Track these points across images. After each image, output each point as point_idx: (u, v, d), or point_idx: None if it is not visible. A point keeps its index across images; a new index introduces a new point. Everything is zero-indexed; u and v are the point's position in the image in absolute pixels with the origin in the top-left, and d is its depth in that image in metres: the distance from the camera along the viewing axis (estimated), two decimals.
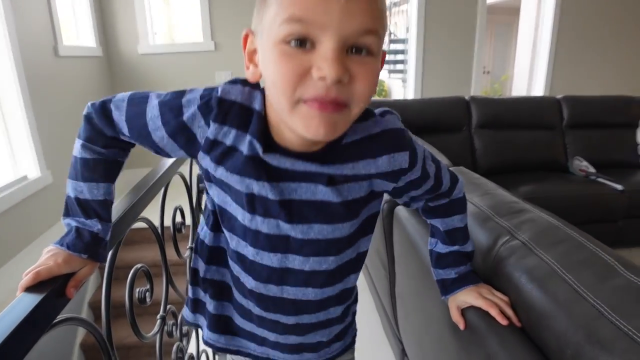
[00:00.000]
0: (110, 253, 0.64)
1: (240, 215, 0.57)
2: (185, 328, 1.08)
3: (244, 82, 0.56)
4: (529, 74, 4.63)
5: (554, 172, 2.65)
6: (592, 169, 2.55)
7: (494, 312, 0.66)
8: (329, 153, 0.54)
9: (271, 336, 0.66)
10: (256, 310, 0.64)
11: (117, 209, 0.69)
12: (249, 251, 0.59)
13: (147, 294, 0.77)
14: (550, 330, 0.59)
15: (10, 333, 0.40)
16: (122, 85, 3.78)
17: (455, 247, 0.72)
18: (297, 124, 0.47)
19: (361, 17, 0.43)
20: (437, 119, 2.65)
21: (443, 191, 0.66)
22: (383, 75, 10.70)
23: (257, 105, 0.53)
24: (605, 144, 2.77)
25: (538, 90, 4.31)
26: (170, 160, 1.00)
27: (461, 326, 0.70)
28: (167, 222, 0.97)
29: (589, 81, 4.24)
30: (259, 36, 0.50)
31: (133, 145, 0.62)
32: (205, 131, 0.54)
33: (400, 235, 1.09)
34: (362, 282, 2.15)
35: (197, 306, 0.72)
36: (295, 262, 0.59)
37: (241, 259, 0.61)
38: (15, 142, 2.54)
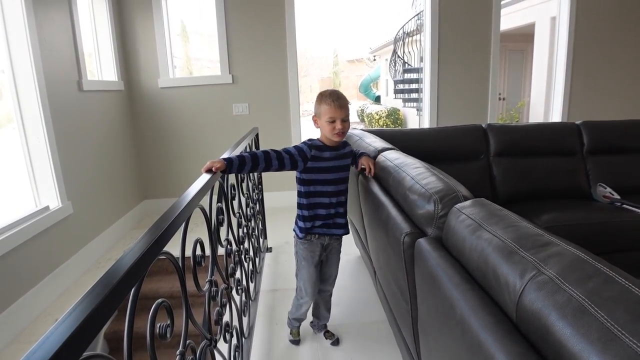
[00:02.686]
0: (132, 290, 0.65)
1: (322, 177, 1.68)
2: None
3: (312, 139, 1.69)
4: (545, 99, 4.61)
5: (577, 200, 2.59)
6: (616, 196, 2.48)
7: (367, 170, 1.77)
8: (341, 147, 1.71)
9: (333, 220, 1.75)
10: (332, 211, 1.72)
11: (140, 245, 0.70)
12: (327, 188, 1.69)
13: (168, 329, 0.76)
14: None
15: None
16: (143, 117, 3.88)
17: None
18: (333, 139, 1.64)
19: (345, 114, 1.60)
20: (455, 148, 2.64)
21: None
22: (398, 104, 10.78)
23: (319, 142, 1.67)
24: (629, 169, 2.70)
25: (556, 116, 4.28)
26: (192, 194, 1.01)
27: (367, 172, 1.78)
28: (186, 252, 0.97)
29: (608, 105, 4.20)
30: (318, 117, 1.64)
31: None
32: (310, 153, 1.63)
33: (422, 269, 1.06)
34: (381, 315, 2.11)
35: (311, 225, 1.73)
36: (332, 187, 1.70)
37: (324, 193, 1.69)
38: (38, 174, 2.61)
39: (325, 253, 1.80)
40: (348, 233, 1.81)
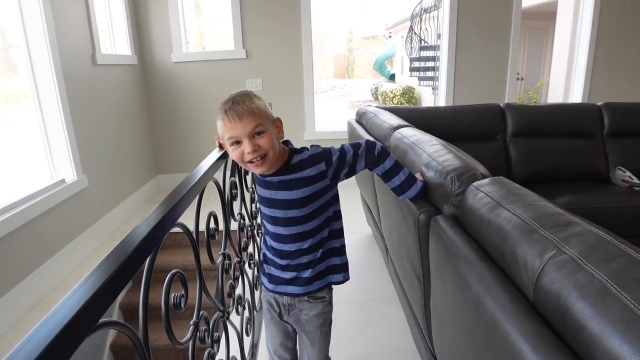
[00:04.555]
0: (148, 259, 0.65)
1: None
2: (215, 334, 1.08)
3: None
4: (565, 80, 4.49)
5: (595, 183, 2.54)
6: (635, 180, 2.43)
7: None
8: (287, 168, 1.06)
9: (285, 273, 1.14)
10: (283, 262, 1.13)
11: (155, 215, 0.70)
12: (270, 227, 1.13)
13: (182, 299, 0.77)
14: (604, 351, 0.56)
15: (56, 336, 0.41)
16: (157, 92, 3.88)
17: (395, 180, 1.19)
18: (251, 170, 1.05)
19: (251, 125, 0.96)
20: (471, 127, 2.59)
21: (360, 154, 1.12)
22: (413, 82, 10.61)
23: None
24: None
25: (576, 97, 4.16)
26: (205, 167, 1.00)
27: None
28: (200, 226, 0.97)
29: (631, 88, 4.08)
30: (222, 140, 1.04)
31: None
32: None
33: (437, 247, 1.05)
34: (391, 292, 2.12)
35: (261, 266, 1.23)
36: (272, 227, 1.13)
37: (268, 232, 1.15)
38: (54, 147, 2.64)
39: (289, 317, 1.20)
40: (318, 294, 1.16)
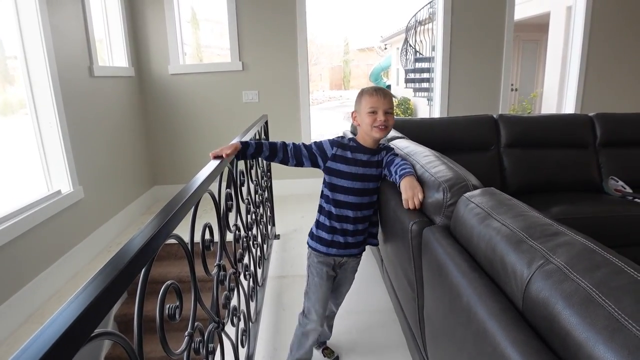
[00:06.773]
0: (143, 270, 0.66)
1: (347, 183, 1.42)
2: (210, 346, 1.08)
3: (343, 136, 1.51)
4: (558, 91, 4.54)
5: (588, 193, 2.56)
6: (628, 189, 2.46)
7: (405, 204, 1.29)
8: (376, 149, 1.46)
9: (351, 238, 1.49)
10: (358, 226, 1.48)
11: (150, 227, 0.71)
12: (349, 198, 1.43)
13: (177, 310, 0.77)
14: (589, 358, 0.57)
15: (51, 346, 0.42)
16: (154, 103, 3.90)
17: (409, 167, 1.41)
18: (373, 134, 1.38)
19: (388, 105, 1.37)
20: (465, 138, 2.62)
21: (398, 163, 1.42)
22: (409, 94, 10.70)
23: (351, 142, 1.45)
24: None
25: (569, 107, 4.22)
26: (201, 178, 1.02)
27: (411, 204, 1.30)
28: (195, 238, 0.98)
29: (623, 98, 4.13)
30: (358, 111, 1.42)
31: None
32: (331, 151, 1.43)
33: (430, 258, 1.07)
34: (387, 303, 2.12)
35: (329, 237, 1.49)
36: (355, 198, 1.43)
37: (347, 204, 1.43)
38: (50, 158, 2.64)
39: (339, 270, 1.57)
40: (364, 250, 1.59)
